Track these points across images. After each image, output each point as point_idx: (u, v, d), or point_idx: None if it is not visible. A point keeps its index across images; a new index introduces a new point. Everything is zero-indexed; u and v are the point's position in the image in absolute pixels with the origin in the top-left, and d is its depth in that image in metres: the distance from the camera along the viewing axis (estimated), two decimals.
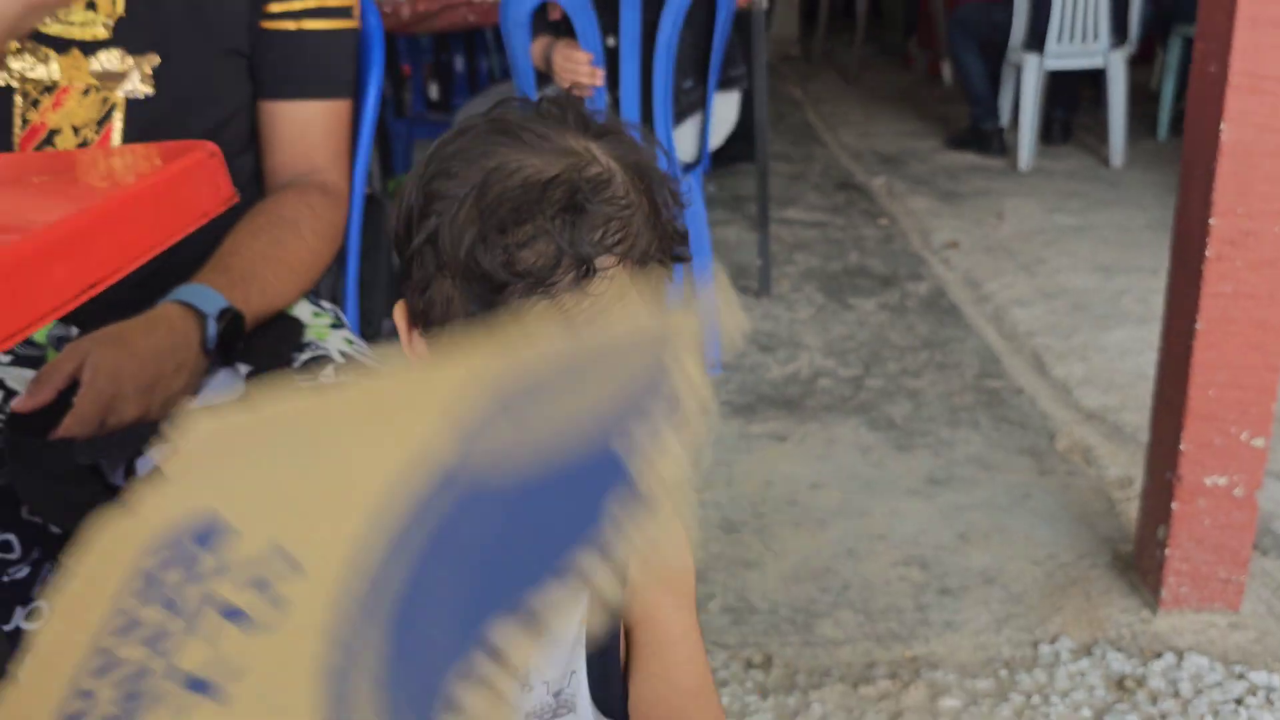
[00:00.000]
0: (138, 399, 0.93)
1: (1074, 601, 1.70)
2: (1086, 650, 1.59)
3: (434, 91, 3.90)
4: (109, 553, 0.41)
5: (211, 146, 0.70)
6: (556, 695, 0.60)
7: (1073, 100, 4.64)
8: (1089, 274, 3.10)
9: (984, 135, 4.52)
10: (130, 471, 0.96)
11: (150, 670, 0.38)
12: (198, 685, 0.38)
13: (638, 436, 0.44)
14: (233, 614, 0.39)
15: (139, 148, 0.81)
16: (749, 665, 1.59)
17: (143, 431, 0.93)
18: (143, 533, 0.41)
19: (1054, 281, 3.05)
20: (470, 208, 0.58)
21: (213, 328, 0.99)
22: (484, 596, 0.40)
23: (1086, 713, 1.48)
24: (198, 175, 0.66)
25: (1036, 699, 1.50)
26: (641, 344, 0.47)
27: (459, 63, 3.90)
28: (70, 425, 0.89)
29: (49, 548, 0.98)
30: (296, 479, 0.42)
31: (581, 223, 0.59)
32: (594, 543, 0.41)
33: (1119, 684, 1.53)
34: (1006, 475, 2.08)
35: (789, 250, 3.43)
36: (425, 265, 0.61)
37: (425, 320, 0.63)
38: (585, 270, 0.58)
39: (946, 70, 6.08)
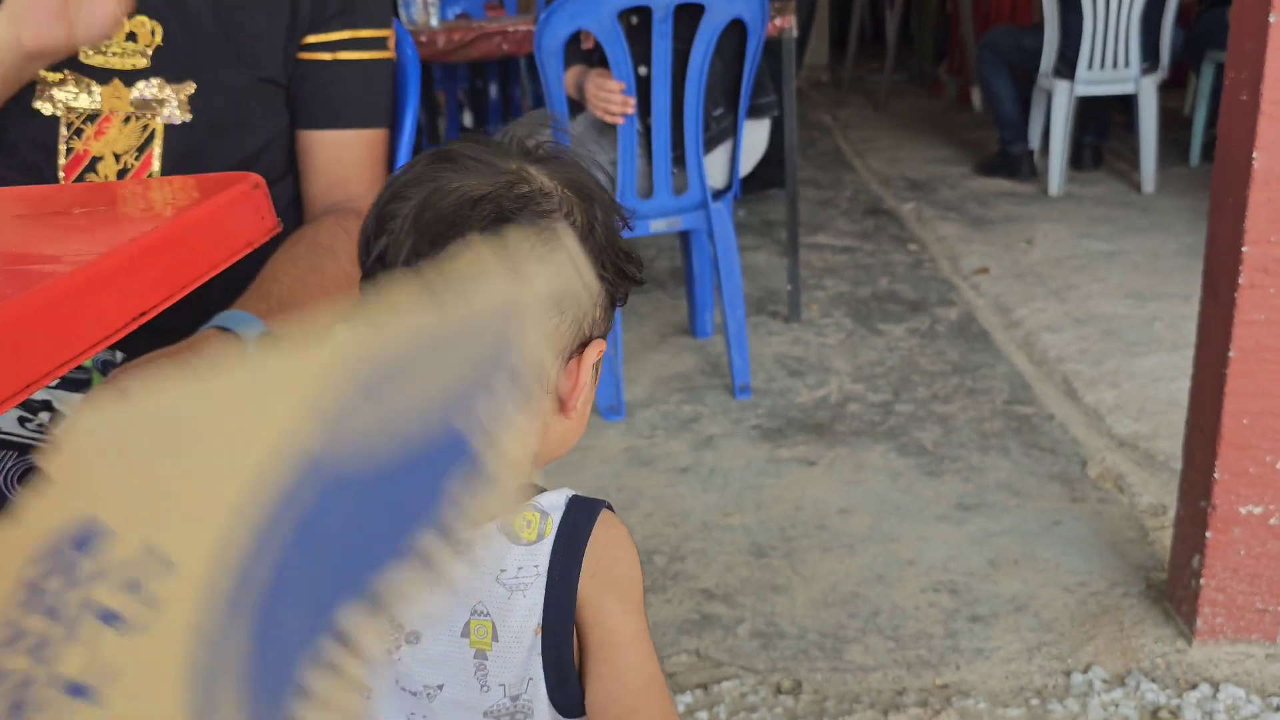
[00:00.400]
0: None
1: (1106, 630, 1.68)
2: (1120, 680, 1.58)
3: (468, 119, 3.95)
4: None
5: (255, 178, 0.72)
6: (514, 700, 0.63)
7: (1103, 126, 4.63)
8: (1120, 300, 3.08)
9: (1014, 160, 4.52)
10: None
11: (34, 679, 0.39)
12: (77, 690, 0.39)
13: (481, 413, 0.44)
14: (108, 617, 0.40)
15: (183, 180, 0.84)
16: (778, 691, 1.59)
17: None
18: (26, 542, 0.42)
19: (1085, 307, 3.03)
20: (410, 225, 0.63)
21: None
22: (336, 583, 0.41)
23: None
24: (243, 206, 0.68)
25: None
26: (491, 318, 0.48)
27: (493, 90, 3.95)
28: None
29: None
30: (169, 475, 0.42)
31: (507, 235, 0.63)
32: (434, 523, 0.42)
33: (1154, 715, 1.51)
34: (1037, 502, 2.06)
35: (818, 275, 3.44)
36: (376, 280, 0.66)
37: None
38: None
39: (976, 97, 6.08)
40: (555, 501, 0.64)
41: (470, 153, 0.66)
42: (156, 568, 0.41)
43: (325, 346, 0.45)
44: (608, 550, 0.63)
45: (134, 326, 0.56)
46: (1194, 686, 1.55)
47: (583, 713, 0.66)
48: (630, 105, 2.30)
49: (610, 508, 0.65)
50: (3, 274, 0.56)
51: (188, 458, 0.43)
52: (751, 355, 2.73)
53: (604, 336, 0.69)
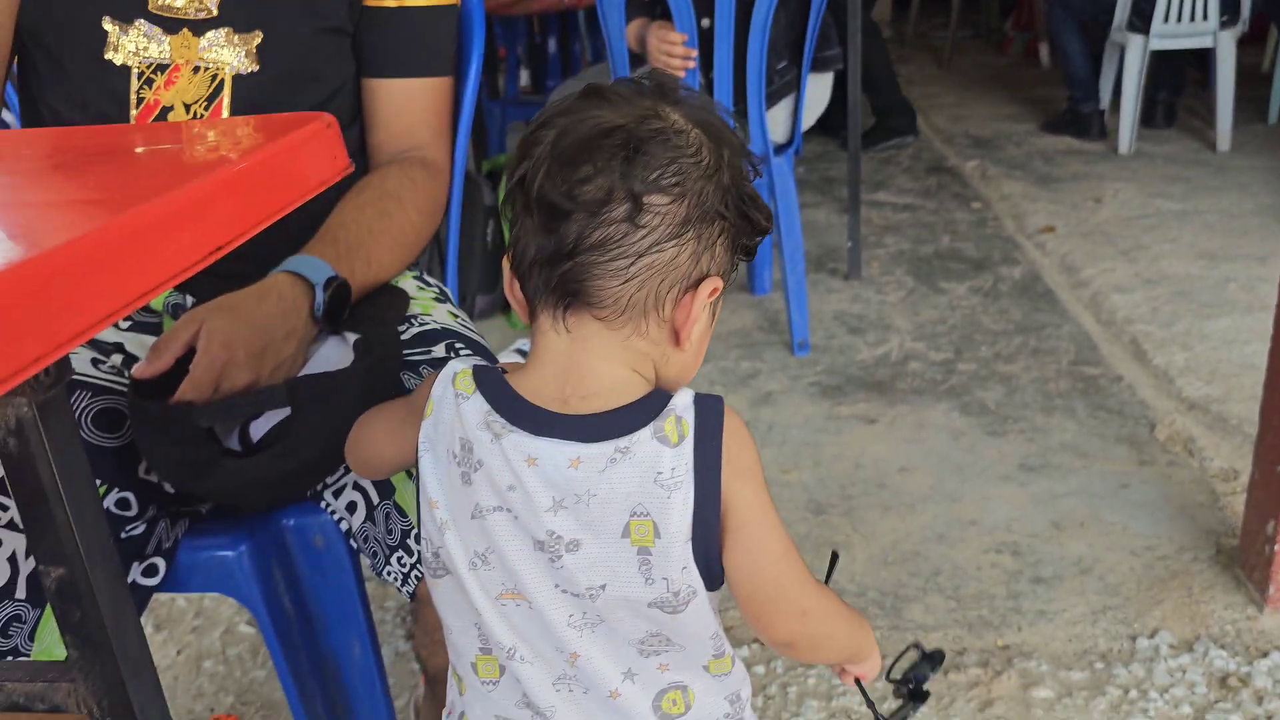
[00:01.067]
0: (250, 365, 0.96)
1: (1174, 595, 1.65)
2: (1188, 646, 1.55)
3: (524, 78, 3.93)
4: None
5: (328, 118, 0.72)
6: (674, 589, 0.69)
7: (1179, 82, 4.48)
8: (1192, 261, 3.00)
9: (1083, 118, 4.39)
10: (244, 434, 0.98)
11: None
12: None
13: None
14: None
15: (256, 119, 0.84)
16: None
17: (256, 396, 0.96)
18: None
19: (1155, 268, 2.96)
20: (549, 150, 0.67)
21: (320, 297, 1.01)
22: None
23: (1187, 710, 1.44)
24: (316, 145, 0.68)
25: (1134, 694, 1.47)
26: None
27: (552, 45, 3.92)
28: (187, 390, 0.93)
29: (165, 506, 1.01)
30: None
31: (636, 162, 0.66)
32: None
33: (1222, 682, 1.48)
34: (1103, 464, 2.03)
35: (879, 233, 3.38)
36: (515, 207, 0.69)
37: (514, 261, 0.70)
38: (635, 204, 0.66)
39: (1044, 53, 5.91)
40: (685, 402, 0.68)
41: (616, 89, 0.71)
42: None
43: None
44: (736, 440, 0.68)
45: (210, 261, 0.56)
46: (1264, 654, 1.52)
47: (721, 584, 0.72)
48: (692, 58, 2.26)
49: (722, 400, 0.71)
50: (84, 206, 0.56)
51: None
52: (811, 312, 2.70)
53: (723, 276, 0.72)
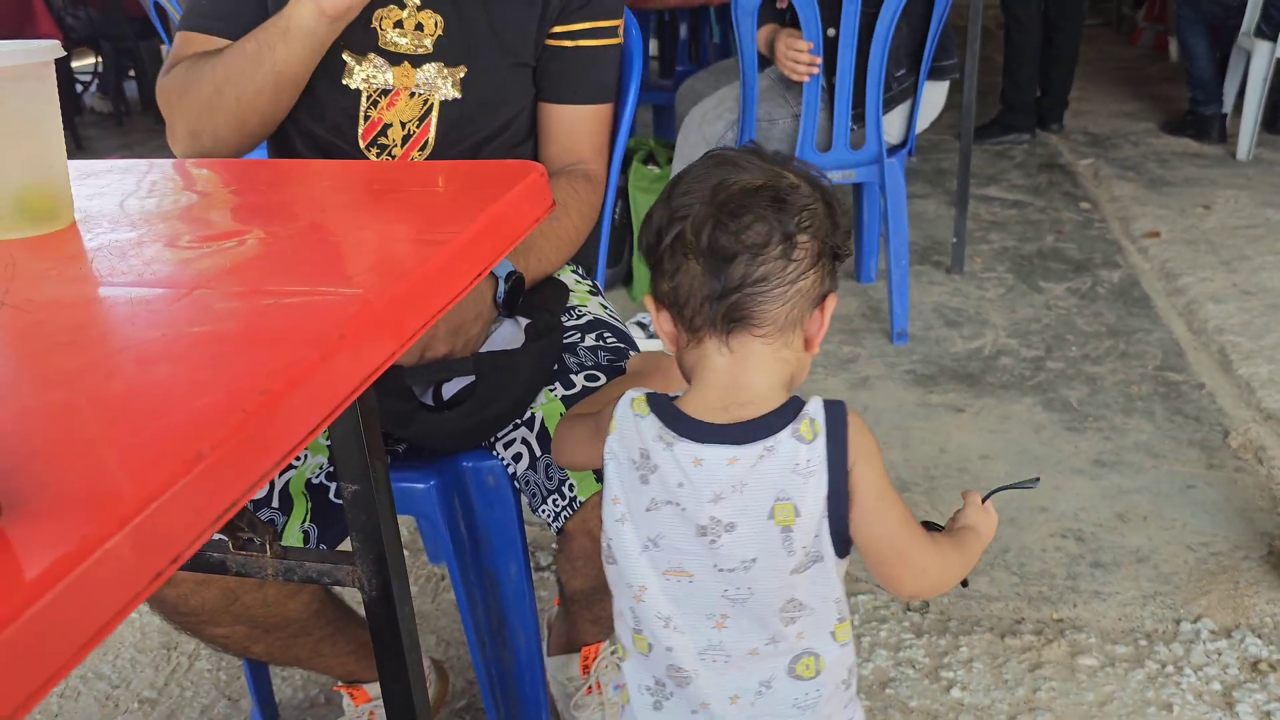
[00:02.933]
0: (447, 340, 1.23)
1: (1221, 588, 1.83)
2: (1227, 633, 1.73)
3: (654, 68, 4.14)
4: None
5: (540, 168, 0.96)
6: (811, 557, 0.88)
7: None
8: None
9: (1204, 121, 4.43)
10: (437, 394, 1.25)
11: None
12: None
13: None
14: None
15: (479, 165, 1.08)
16: (908, 608, 1.81)
17: (449, 364, 1.23)
18: None
19: (1254, 279, 3.05)
20: (706, 207, 0.87)
21: (502, 287, 1.27)
22: None
23: (1217, 687, 1.62)
24: (534, 192, 0.93)
25: (1170, 669, 1.66)
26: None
27: (683, 30, 4.13)
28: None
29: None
30: None
31: (784, 210, 0.85)
32: None
33: (1254, 666, 1.66)
34: (1174, 465, 2.19)
35: (985, 228, 3.53)
36: (675, 257, 0.88)
37: (673, 300, 0.90)
38: (790, 243, 0.85)
39: (1173, 47, 5.88)
40: (816, 408, 0.87)
41: (740, 158, 0.90)
42: None
43: None
44: (858, 433, 0.87)
45: (467, 292, 0.81)
46: None
47: (849, 551, 0.90)
48: (816, 64, 2.46)
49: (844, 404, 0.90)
50: (418, 245, 0.81)
51: None
52: (911, 303, 2.89)
53: (835, 290, 0.93)
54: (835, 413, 0.87)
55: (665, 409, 0.89)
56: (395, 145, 1.36)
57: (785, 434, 0.86)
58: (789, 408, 0.87)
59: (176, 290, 0.71)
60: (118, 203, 0.94)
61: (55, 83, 0.85)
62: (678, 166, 2.63)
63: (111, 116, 6.13)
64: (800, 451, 0.85)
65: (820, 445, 0.85)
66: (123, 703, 1.72)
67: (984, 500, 1.05)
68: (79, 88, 6.50)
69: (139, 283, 0.74)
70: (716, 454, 0.86)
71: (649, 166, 3.01)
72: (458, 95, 1.36)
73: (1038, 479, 1.14)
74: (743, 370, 0.88)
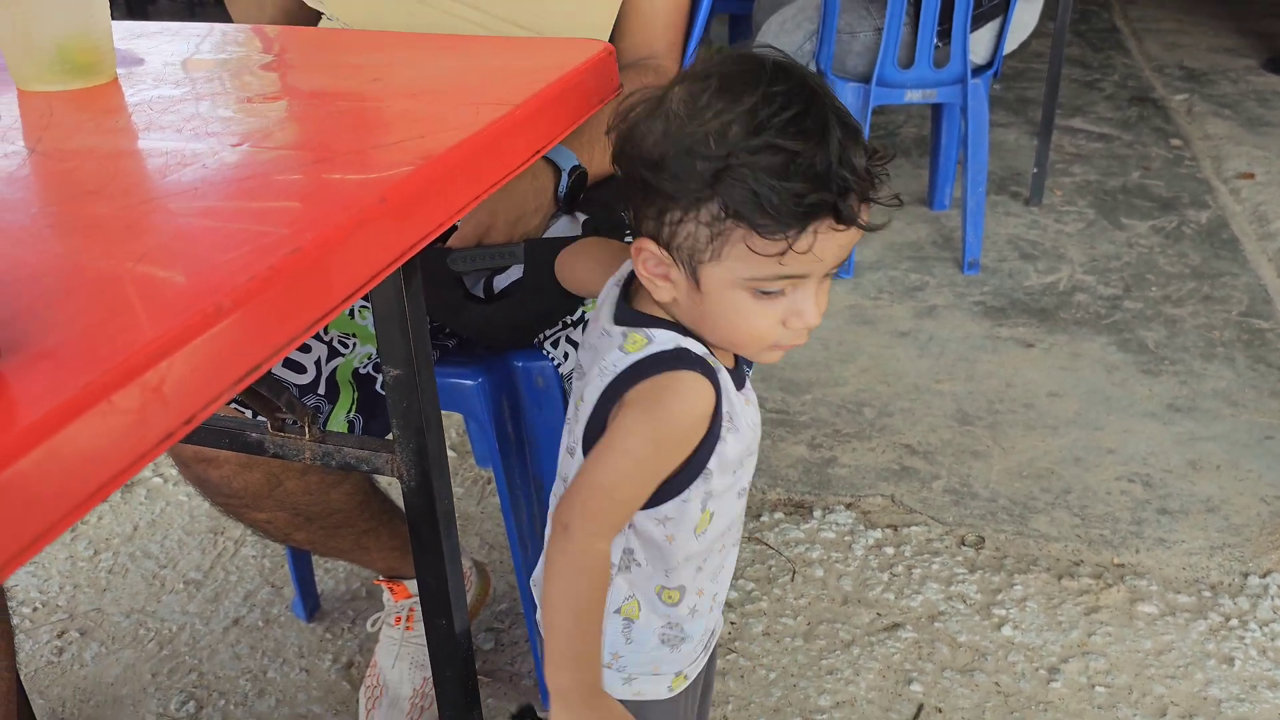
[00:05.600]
0: (505, 230, 1.18)
1: None
2: None
3: None
4: None
5: (609, 46, 0.90)
6: (573, 451, 0.88)
7: None
8: None
9: None
10: (489, 287, 1.21)
11: None
12: None
13: None
14: None
15: (547, 42, 1.02)
16: (962, 543, 1.75)
17: (498, 250, 1.18)
18: None
19: None
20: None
21: (565, 181, 1.22)
22: None
23: None
24: (601, 69, 0.86)
25: (1235, 623, 1.59)
26: None
27: None
28: (454, 242, 1.15)
29: None
30: None
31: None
32: None
33: None
34: (1253, 415, 2.09)
35: (1068, 161, 3.38)
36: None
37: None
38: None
39: None
40: (663, 340, 0.81)
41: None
42: None
43: None
44: (657, 389, 0.79)
45: (530, 163, 0.76)
46: None
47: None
48: None
49: (703, 373, 0.80)
50: (478, 108, 0.75)
51: None
52: (985, 233, 2.78)
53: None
54: (664, 362, 0.80)
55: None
56: None
57: (619, 331, 0.82)
58: (657, 321, 0.82)
59: (215, 146, 0.67)
60: (164, 62, 0.89)
61: None
62: None
63: (185, 7, 6.10)
64: (613, 354, 0.81)
65: (626, 364, 0.80)
66: (169, 582, 1.73)
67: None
68: None
69: (177, 138, 0.69)
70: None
71: None
72: None
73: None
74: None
